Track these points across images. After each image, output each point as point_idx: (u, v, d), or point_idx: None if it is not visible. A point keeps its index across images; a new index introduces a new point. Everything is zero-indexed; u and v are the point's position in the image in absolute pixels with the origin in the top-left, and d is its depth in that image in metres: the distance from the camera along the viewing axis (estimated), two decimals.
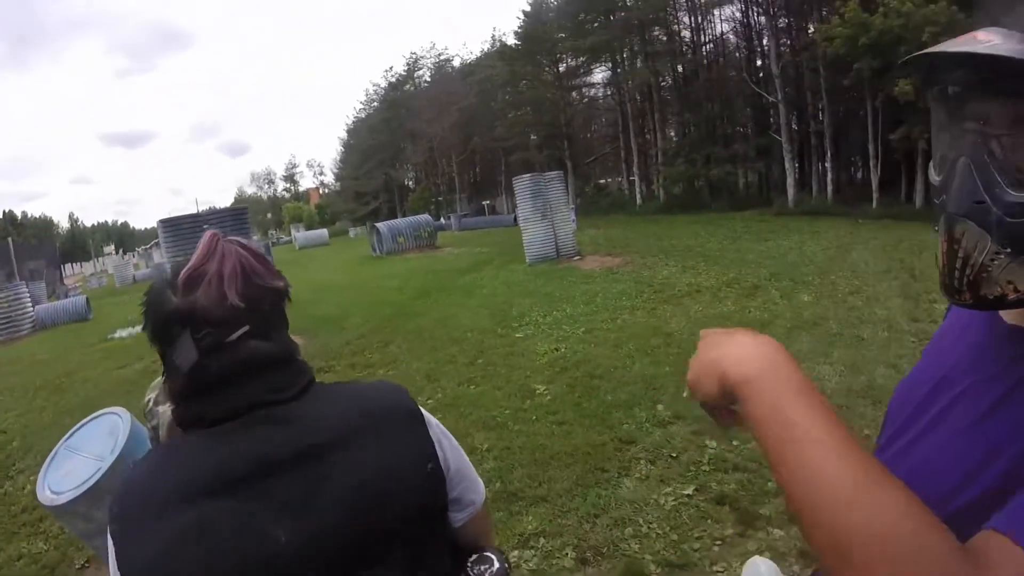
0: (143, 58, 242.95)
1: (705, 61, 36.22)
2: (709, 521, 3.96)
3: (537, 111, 43.80)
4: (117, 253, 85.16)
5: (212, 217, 11.93)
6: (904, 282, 10.59)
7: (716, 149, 32.33)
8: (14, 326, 19.64)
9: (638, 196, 37.88)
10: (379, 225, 28.89)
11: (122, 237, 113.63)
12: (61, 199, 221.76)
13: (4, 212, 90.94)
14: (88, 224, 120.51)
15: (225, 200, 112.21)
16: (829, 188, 28.22)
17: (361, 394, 1.12)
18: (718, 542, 3.78)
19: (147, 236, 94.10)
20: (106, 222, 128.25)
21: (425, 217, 30.75)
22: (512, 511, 4.42)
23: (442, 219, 44.32)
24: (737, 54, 35.79)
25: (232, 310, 0.97)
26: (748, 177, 36.00)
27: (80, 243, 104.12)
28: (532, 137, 45.18)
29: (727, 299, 10.42)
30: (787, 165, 29.18)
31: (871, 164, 25.93)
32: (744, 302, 10.09)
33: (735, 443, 4.90)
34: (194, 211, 14.88)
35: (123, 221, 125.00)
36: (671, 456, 4.88)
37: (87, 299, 23.09)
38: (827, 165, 28.80)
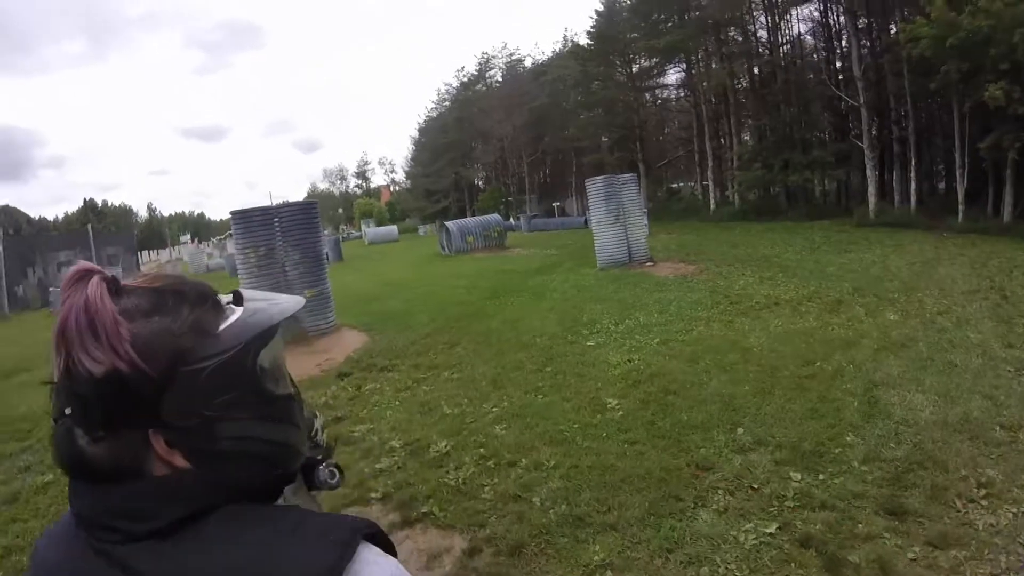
0: (218, 55, 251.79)
1: (782, 63, 34.86)
2: (793, 565, 3.68)
3: (609, 112, 43.06)
4: (193, 242, 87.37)
5: (284, 210, 12.00)
6: (995, 303, 10.03)
7: (794, 155, 31.10)
8: None
9: (712, 201, 36.96)
10: (448, 224, 28.83)
11: (198, 227, 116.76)
12: (139, 189, 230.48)
13: (85, 200, 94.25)
14: (166, 214, 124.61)
15: (298, 195, 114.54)
16: (912, 199, 26.89)
17: (259, 558, 0.70)
18: None
19: (222, 227, 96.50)
20: (183, 212, 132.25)
21: (495, 217, 30.64)
22: (578, 538, 4.21)
23: (511, 219, 44.22)
24: (815, 56, 34.53)
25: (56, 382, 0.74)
26: (826, 185, 34.82)
27: (157, 231, 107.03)
28: (604, 139, 44.74)
29: (808, 314, 9.99)
30: (868, 173, 27.95)
31: (957, 174, 24.59)
32: (827, 318, 9.64)
33: (821, 477, 4.59)
34: (267, 204, 15.01)
35: (199, 212, 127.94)
36: (752, 487, 4.60)
37: None
38: (910, 174, 27.52)
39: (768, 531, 4.00)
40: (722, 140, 39.04)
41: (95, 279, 0.73)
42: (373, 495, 5.27)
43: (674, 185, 46.81)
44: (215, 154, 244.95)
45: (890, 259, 15.23)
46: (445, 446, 6.07)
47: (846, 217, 27.38)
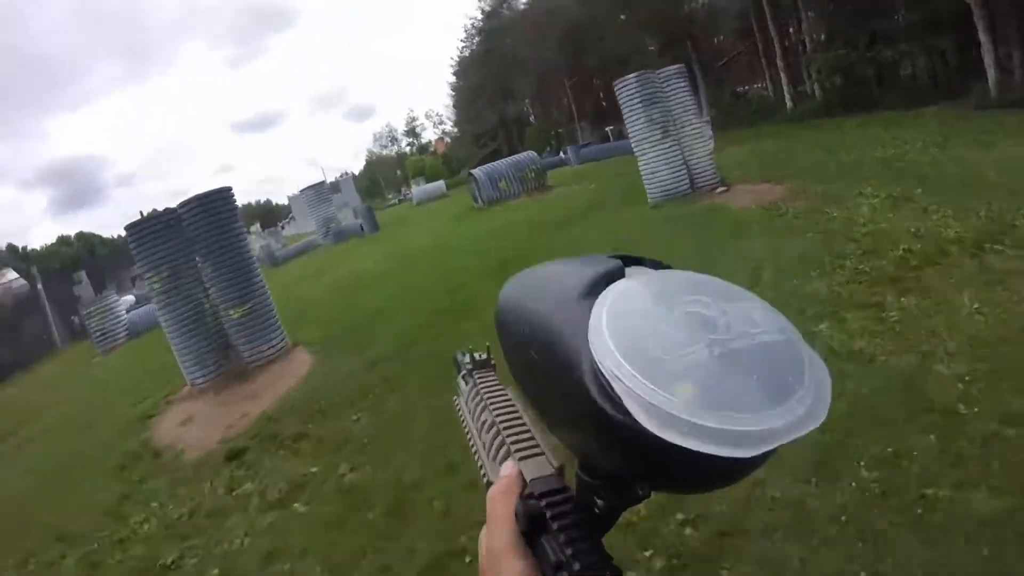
0: (250, 43, 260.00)
1: None
2: None
3: (650, 8, 35.47)
4: (264, 230, 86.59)
5: (186, 210, 9.14)
6: None
7: (882, 23, 24.98)
8: (110, 338, 19.18)
9: (787, 98, 30.91)
10: (476, 171, 24.66)
11: (264, 215, 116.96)
12: (208, 189, 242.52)
13: (141, 213, 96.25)
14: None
15: (357, 165, 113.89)
16: None
17: None
18: None
19: (286, 211, 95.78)
20: (250, 203, 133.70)
21: (528, 155, 25.96)
22: None
23: (561, 153, 40.09)
24: None
25: None
26: (916, 62, 28.41)
27: None
28: (651, 47, 38.63)
29: (1015, 276, 5.16)
30: (982, 39, 21.09)
31: None
32: None
33: None
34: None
35: (265, 199, 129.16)
36: None
37: None
38: None
39: None
40: (788, 25, 32.63)
41: None
42: None
43: (739, 89, 40.43)
44: (273, 141, 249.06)
45: None
46: None
47: (955, 100, 21.41)
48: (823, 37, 28.56)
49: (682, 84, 12.08)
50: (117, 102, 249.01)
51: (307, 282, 17.36)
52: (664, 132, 11.62)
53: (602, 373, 0.40)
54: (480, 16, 57.20)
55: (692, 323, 0.42)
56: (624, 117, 12.47)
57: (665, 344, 0.41)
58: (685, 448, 0.36)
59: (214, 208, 9.14)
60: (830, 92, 28.04)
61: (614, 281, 0.49)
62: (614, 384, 0.39)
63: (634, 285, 0.49)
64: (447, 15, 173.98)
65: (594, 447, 0.46)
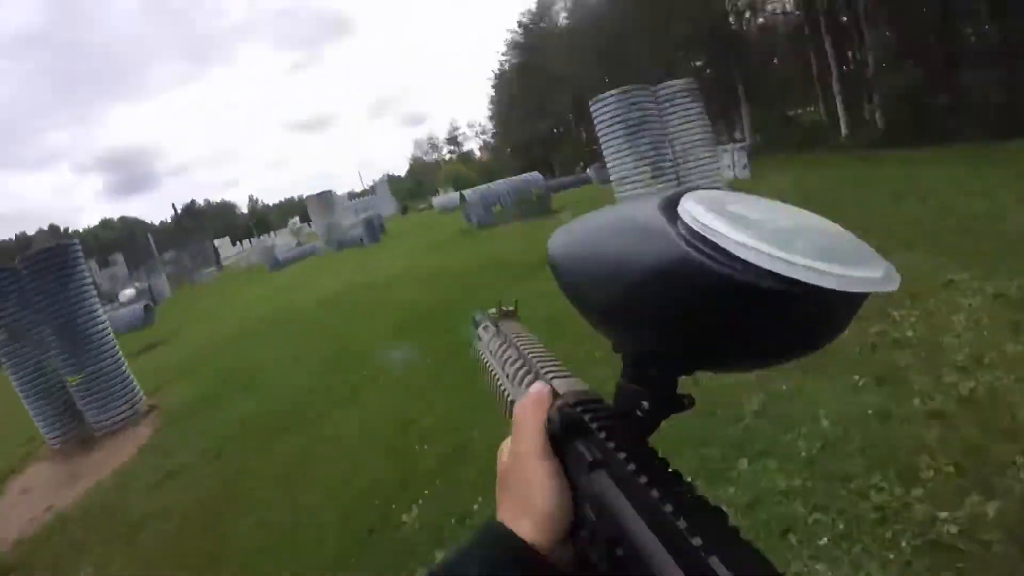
0: (312, 50, 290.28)
1: None
2: None
3: (691, 22, 31.21)
4: (303, 222, 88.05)
5: (24, 265, 8.63)
6: None
7: (959, 40, 21.65)
8: None
9: (842, 124, 27.29)
10: (467, 192, 23.38)
11: (302, 210, 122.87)
12: (258, 184, 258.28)
13: (173, 206, 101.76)
14: (275, 202, 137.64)
15: (402, 168, 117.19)
16: None
17: None
18: None
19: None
20: (291, 198, 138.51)
21: (533, 176, 23.76)
22: None
23: (588, 170, 38.73)
24: None
25: None
26: (993, 86, 24.42)
27: (262, 221, 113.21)
28: (697, 63, 34.45)
29: None
30: None
31: None
32: None
33: None
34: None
35: (301, 195, 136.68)
36: None
37: (145, 307, 24.24)
38: None
39: None
40: (846, 41, 28.85)
41: None
42: None
43: (790, 113, 36.44)
44: (326, 142, 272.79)
45: None
46: None
47: None
48: (890, 53, 24.90)
49: (690, 104, 9.00)
50: (176, 96, 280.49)
51: (257, 304, 16.58)
52: (655, 171, 8.59)
53: (696, 231, 0.41)
54: (519, 30, 57.99)
55: (770, 206, 0.47)
56: (602, 148, 9.36)
57: (754, 213, 0.44)
58: (782, 287, 0.37)
59: (56, 265, 8.72)
60: (893, 121, 24.37)
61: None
62: (711, 236, 0.39)
63: (713, 191, 0.49)
64: (501, 25, 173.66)
65: (676, 314, 0.43)
